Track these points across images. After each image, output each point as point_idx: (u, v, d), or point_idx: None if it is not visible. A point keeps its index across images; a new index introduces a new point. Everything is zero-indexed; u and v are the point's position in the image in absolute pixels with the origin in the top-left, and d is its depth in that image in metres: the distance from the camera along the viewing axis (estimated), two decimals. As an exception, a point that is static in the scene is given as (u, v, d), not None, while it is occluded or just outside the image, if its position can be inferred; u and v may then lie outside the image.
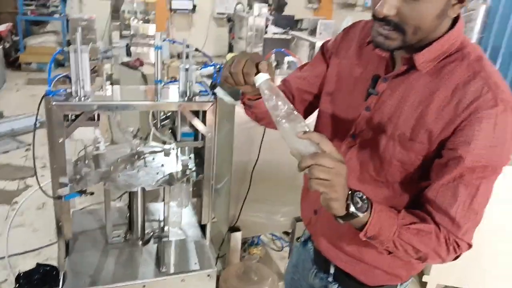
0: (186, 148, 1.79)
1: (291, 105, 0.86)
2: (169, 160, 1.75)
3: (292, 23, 7.42)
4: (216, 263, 2.44)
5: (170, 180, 1.62)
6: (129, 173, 1.63)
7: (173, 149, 1.80)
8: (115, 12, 1.40)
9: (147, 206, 1.97)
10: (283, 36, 6.60)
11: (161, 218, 1.82)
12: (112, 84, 1.64)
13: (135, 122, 2.75)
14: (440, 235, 0.88)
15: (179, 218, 1.83)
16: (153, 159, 1.75)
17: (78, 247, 1.67)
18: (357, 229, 0.88)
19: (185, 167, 1.70)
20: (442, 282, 2.66)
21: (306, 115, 1.20)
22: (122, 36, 5.40)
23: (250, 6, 7.21)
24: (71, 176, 1.53)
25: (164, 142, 1.80)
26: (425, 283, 2.65)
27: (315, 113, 1.19)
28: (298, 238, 1.36)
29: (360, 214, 0.84)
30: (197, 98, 1.57)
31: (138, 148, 1.78)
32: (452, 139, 0.86)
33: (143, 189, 1.63)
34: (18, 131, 4.29)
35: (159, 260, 1.62)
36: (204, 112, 1.59)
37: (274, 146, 2.18)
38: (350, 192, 0.83)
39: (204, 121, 1.59)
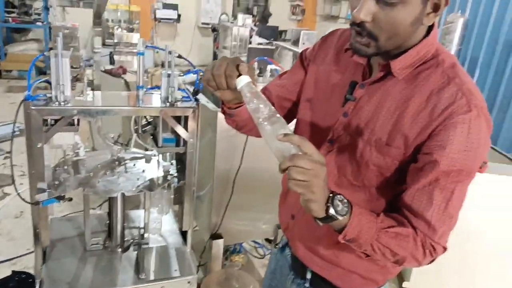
0: (168, 154, 1.78)
1: (273, 108, 0.86)
2: (150, 166, 1.74)
3: (276, 34, 7.52)
4: (197, 271, 2.41)
5: (151, 185, 1.61)
6: (109, 179, 1.61)
7: (155, 155, 1.80)
8: (97, 18, 1.40)
9: (127, 213, 1.96)
10: (267, 47, 6.68)
11: (141, 225, 1.80)
12: (93, 90, 1.63)
13: (116, 128, 2.73)
14: (417, 238, 0.89)
15: (159, 225, 1.82)
16: (134, 165, 1.74)
17: (56, 255, 1.64)
18: (336, 231, 0.89)
19: (166, 173, 1.70)
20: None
21: (286, 122, 1.22)
22: (105, 45, 5.39)
23: (235, 16, 7.28)
24: (49, 182, 1.51)
25: (145, 149, 1.80)
26: (406, 289, 2.68)
27: (295, 120, 1.20)
28: (276, 244, 1.37)
29: (340, 217, 0.84)
30: (179, 104, 1.58)
31: (119, 154, 1.77)
32: (428, 143, 0.87)
33: (123, 195, 1.61)
34: (-4, 138, 4.22)
35: (139, 267, 1.60)
36: (186, 118, 1.59)
37: (257, 154, 2.19)
38: (331, 194, 0.84)
39: (186, 127, 1.59)
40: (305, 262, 1.15)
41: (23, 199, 1.46)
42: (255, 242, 2.94)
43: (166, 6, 8.24)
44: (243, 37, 5.84)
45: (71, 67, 1.43)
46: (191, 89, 1.96)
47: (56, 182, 1.54)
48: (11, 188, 3.35)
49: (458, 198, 0.89)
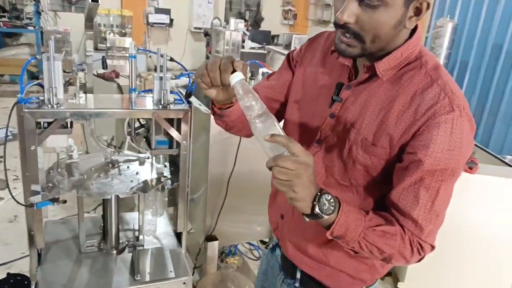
0: (161, 156, 1.79)
1: (265, 106, 0.88)
2: (144, 168, 1.75)
3: (268, 38, 7.56)
4: (193, 273, 2.42)
5: (145, 187, 1.62)
6: (102, 181, 1.62)
7: (148, 157, 1.81)
8: (89, 22, 1.41)
9: (122, 216, 1.96)
10: (260, 51, 6.72)
11: (136, 227, 1.81)
12: (85, 92, 1.64)
13: (110, 131, 2.74)
14: (405, 237, 0.91)
15: (154, 227, 1.82)
16: (128, 167, 1.75)
17: (51, 257, 1.65)
18: (324, 227, 0.91)
19: (160, 175, 1.71)
20: (416, 288, 2.72)
21: None
22: (98, 49, 5.39)
23: (227, 21, 7.31)
24: (43, 184, 1.51)
25: (139, 151, 1.81)
26: (400, 289, 2.71)
27: (283, 121, 1.22)
28: (267, 245, 1.39)
29: (325, 216, 0.86)
30: (171, 106, 1.59)
31: (112, 156, 1.78)
32: (412, 143, 0.89)
33: (117, 198, 1.62)
34: (-11, 144, 4.20)
35: (134, 269, 1.61)
36: (179, 121, 1.60)
37: (250, 156, 2.21)
38: (319, 193, 0.85)
39: (179, 130, 1.61)
40: (295, 261, 1.16)
41: (18, 202, 1.47)
42: (250, 244, 2.96)
43: (158, 10, 8.26)
44: (236, 41, 5.87)
45: (64, 71, 1.43)
46: (184, 92, 1.97)
47: (50, 185, 1.54)
48: (5, 192, 3.33)
49: (444, 197, 0.91)
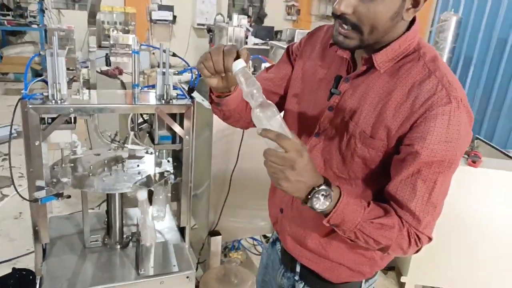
0: (164, 151, 1.80)
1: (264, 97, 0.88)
2: (147, 164, 1.76)
3: (271, 34, 7.55)
4: (196, 269, 2.44)
5: (148, 182, 1.63)
6: (106, 177, 1.63)
7: (151, 152, 1.82)
8: (92, 18, 1.41)
9: (126, 211, 1.98)
10: (263, 47, 6.71)
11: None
12: (89, 88, 1.65)
13: (114, 128, 2.75)
14: (403, 228, 0.92)
15: (163, 213, 1.81)
16: (131, 162, 1.76)
17: (56, 252, 1.66)
18: (321, 214, 0.91)
19: (162, 169, 1.72)
20: (420, 282, 2.72)
21: None
22: (101, 46, 5.40)
23: (230, 17, 7.29)
24: (48, 180, 1.52)
25: (142, 146, 1.82)
26: (403, 283, 2.71)
27: (282, 114, 1.22)
28: (268, 239, 1.39)
29: (319, 209, 0.87)
30: (174, 101, 1.60)
31: (116, 152, 1.79)
32: (409, 135, 0.90)
33: (121, 193, 1.63)
34: (-6, 141, 4.24)
35: (138, 263, 1.62)
36: (182, 116, 1.61)
37: (252, 152, 2.22)
38: (317, 187, 0.85)
39: (181, 125, 1.61)
40: (294, 255, 1.17)
41: (23, 197, 1.48)
42: (254, 239, 2.97)
43: (161, 7, 8.26)
44: (239, 37, 5.87)
45: (68, 69, 1.45)
46: (187, 87, 1.98)
47: (54, 180, 1.55)
48: (10, 189, 3.36)
49: (441, 189, 0.92)
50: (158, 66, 1.60)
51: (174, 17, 8.40)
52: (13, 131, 1.42)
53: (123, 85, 3.16)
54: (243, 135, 2.23)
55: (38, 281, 1.51)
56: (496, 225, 2.47)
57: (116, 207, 1.70)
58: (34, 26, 7.09)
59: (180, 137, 1.63)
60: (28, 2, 7.50)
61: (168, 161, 1.80)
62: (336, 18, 0.91)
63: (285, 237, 1.18)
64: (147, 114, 1.71)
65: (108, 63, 4.10)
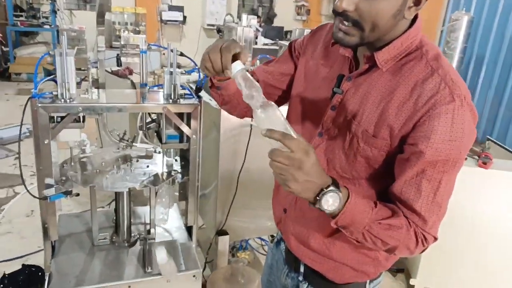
0: (172, 150, 1.81)
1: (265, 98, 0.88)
2: (154, 162, 1.78)
3: (281, 34, 7.54)
4: (204, 268, 2.45)
5: (155, 181, 1.64)
6: (114, 175, 1.65)
7: (159, 151, 1.83)
8: (100, 17, 1.43)
9: (134, 210, 1.99)
10: (273, 47, 6.70)
11: (148, 221, 1.83)
12: (97, 88, 1.67)
13: (124, 127, 2.78)
14: (411, 229, 0.91)
15: (166, 216, 1.84)
16: (139, 161, 1.78)
17: (64, 249, 1.68)
18: (329, 216, 0.90)
19: (170, 168, 1.73)
20: (429, 284, 2.69)
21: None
22: (112, 47, 5.45)
23: (240, 17, 7.29)
24: (57, 178, 1.55)
25: (150, 145, 1.83)
26: (413, 286, 2.69)
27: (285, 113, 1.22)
28: (272, 240, 1.39)
29: (327, 212, 0.86)
30: (181, 101, 1.61)
31: (125, 151, 1.81)
32: (412, 134, 0.89)
33: (129, 191, 1.65)
34: (7, 140, 4.31)
35: (145, 261, 1.63)
36: (189, 115, 1.62)
37: (260, 151, 2.21)
38: (325, 188, 0.84)
39: (189, 124, 1.62)
40: (298, 255, 1.16)
41: (32, 195, 1.50)
42: (261, 239, 2.97)
43: (172, 8, 8.30)
44: (248, 37, 5.86)
45: (79, 69, 1.46)
46: (194, 87, 1.99)
47: (63, 178, 1.58)
48: (22, 187, 3.41)
49: (446, 188, 0.91)
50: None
51: (184, 17, 8.44)
52: (25, 130, 1.44)
53: (133, 85, 3.19)
54: (250, 135, 2.23)
55: (47, 278, 1.53)
56: (506, 227, 2.44)
57: (124, 205, 1.72)
58: (46, 26, 7.19)
59: (187, 136, 1.64)
60: (40, 3, 7.61)
61: (176, 160, 1.81)
62: (336, 15, 0.91)
63: (289, 237, 1.18)
64: (155, 113, 1.73)
65: (119, 63, 4.13)
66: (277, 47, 6.55)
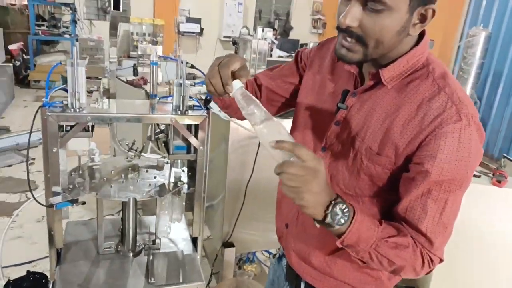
0: (179, 161, 1.82)
1: (267, 111, 0.88)
2: (162, 173, 1.79)
3: (296, 47, 7.58)
4: (210, 279, 2.43)
5: (161, 191, 1.65)
6: (121, 184, 1.66)
7: (167, 162, 1.84)
8: (113, 29, 1.47)
9: (141, 219, 2.00)
10: (288, 59, 6.73)
11: (153, 230, 1.84)
12: (108, 98, 1.69)
13: (136, 137, 2.81)
14: (417, 249, 0.89)
15: (169, 229, 1.84)
16: (147, 171, 1.79)
17: (70, 257, 1.69)
18: (334, 235, 0.88)
19: (177, 179, 1.74)
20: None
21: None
22: (130, 57, 5.55)
23: (256, 30, 7.35)
24: (64, 186, 1.56)
25: (158, 155, 1.84)
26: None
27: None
28: (275, 255, 1.37)
29: (337, 226, 0.84)
30: (190, 112, 1.62)
31: (133, 160, 1.82)
32: (418, 153, 0.87)
33: (135, 201, 1.66)
34: (23, 145, 4.39)
35: (149, 272, 1.63)
36: (197, 126, 1.63)
37: (268, 164, 2.20)
38: (333, 201, 0.82)
39: (196, 135, 1.63)
40: (299, 272, 1.14)
41: (39, 202, 1.52)
42: (269, 252, 2.94)
43: (189, 19, 8.42)
44: (262, 50, 5.90)
45: (96, 78, 1.49)
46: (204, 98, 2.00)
47: (71, 186, 1.59)
48: (34, 193, 3.46)
49: (452, 208, 0.89)
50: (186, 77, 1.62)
51: (201, 29, 8.55)
52: (40, 137, 1.47)
53: (147, 95, 3.23)
54: (259, 146, 2.23)
55: (50, 285, 1.54)
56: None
57: (130, 214, 1.73)
58: (66, 36, 7.36)
59: (195, 147, 1.64)
60: (62, 13, 7.82)
61: (183, 171, 1.82)
62: (340, 31, 0.90)
63: (290, 253, 1.16)
64: (163, 124, 1.74)
65: (135, 73, 4.19)
66: (291, 60, 6.58)
